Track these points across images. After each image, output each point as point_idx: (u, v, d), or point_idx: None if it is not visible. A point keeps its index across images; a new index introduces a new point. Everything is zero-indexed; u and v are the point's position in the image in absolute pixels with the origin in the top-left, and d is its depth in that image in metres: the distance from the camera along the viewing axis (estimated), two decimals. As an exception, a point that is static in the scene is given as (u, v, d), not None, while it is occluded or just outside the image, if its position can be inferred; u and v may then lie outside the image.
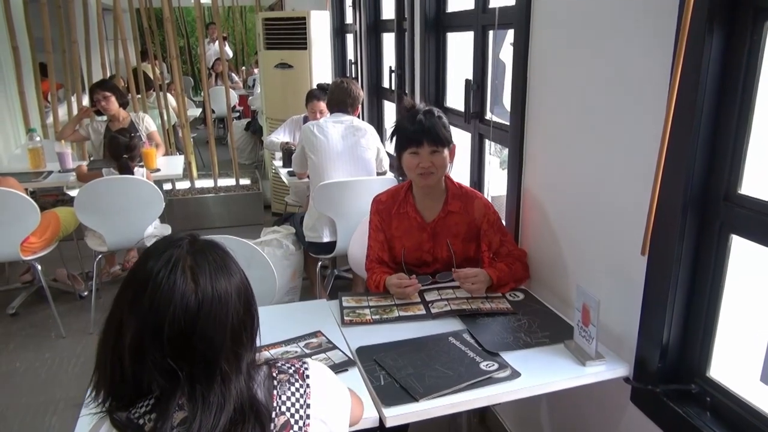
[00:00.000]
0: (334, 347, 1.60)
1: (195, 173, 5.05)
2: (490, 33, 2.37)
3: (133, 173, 3.20)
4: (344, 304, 1.83)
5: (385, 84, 3.92)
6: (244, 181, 5.22)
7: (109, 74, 5.10)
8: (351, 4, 4.59)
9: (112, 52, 5.56)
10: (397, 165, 2.04)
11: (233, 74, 9.25)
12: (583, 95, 1.65)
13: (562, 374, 1.46)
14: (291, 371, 0.99)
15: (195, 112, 7.22)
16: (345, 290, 3.68)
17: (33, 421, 2.54)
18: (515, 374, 1.44)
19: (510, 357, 1.51)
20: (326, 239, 3.02)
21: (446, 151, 1.91)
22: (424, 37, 2.84)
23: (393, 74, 3.54)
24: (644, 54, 1.39)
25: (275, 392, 0.95)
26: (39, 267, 3.19)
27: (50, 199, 4.32)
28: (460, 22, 2.63)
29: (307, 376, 1.00)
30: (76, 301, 3.62)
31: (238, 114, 8.26)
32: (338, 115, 3.12)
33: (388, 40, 3.93)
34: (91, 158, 4.10)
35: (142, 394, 0.89)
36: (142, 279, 0.88)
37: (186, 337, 0.87)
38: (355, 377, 1.45)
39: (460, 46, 2.85)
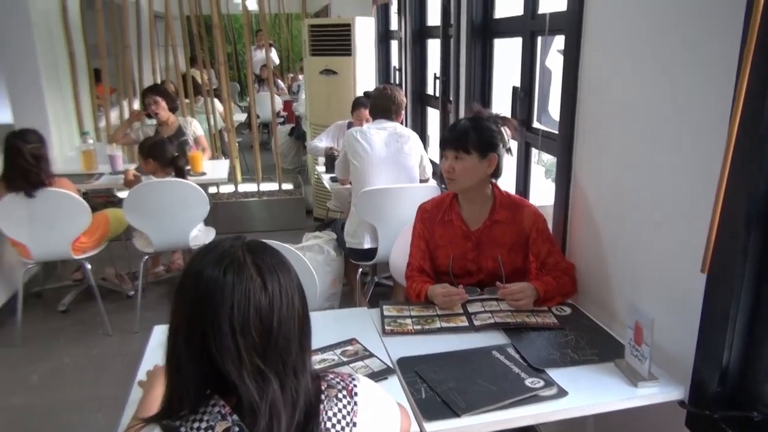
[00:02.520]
0: (371, 355, 1.58)
1: (239, 177, 5.12)
2: (539, 39, 2.32)
3: (185, 177, 3.27)
4: (385, 313, 1.81)
5: (430, 91, 3.90)
6: (287, 186, 5.27)
7: (159, 79, 5.23)
8: (396, 11, 4.60)
9: (162, 58, 5.72)
10: (439, 171, 2.02)
11: (278, 80, 9.38)
12: (638, 105, 1.59)
13: (612, 395, 1.40)
14: (340, 386, 0.97)
15: (240, 117, 7.34)
16: (385, 298, 3.66)
17: (80, 416, 2.60)
18: (562, 393, 1.38)
19: (556, 374, 1.46)
20: (367, 246, 3.01)
21: (476, 159, 1.86)
22: (470, 43, 2.80)
23: (437, 81, 3.52)
24: (708, 62, 1.32)
25: (322, 406, 0.93)
26: (89, 266, 3.28)
27: (100, 200, 4.44)
28: (508, 28, 2.59)
29: (356, 394, 0.98)
30: (123, 301, 3.71)
31: (282, 119, 8.36)
32: (381, 121, 3.11)
33: (433, 46, 3.91)
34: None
35: (194, 404, 0.89)
36: (211, 285, 0.88)
37: (266, 332, 0.88)
38: (394, 386, 1.43)
39: (504, 52, 2.81)
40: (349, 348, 1.63)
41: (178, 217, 3.20)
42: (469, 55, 2.82)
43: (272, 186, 5.24)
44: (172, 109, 4.15)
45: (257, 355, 0.88)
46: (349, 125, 4.04)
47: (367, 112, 3.72)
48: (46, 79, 4.34)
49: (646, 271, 1.60)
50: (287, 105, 8.61)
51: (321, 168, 3.78)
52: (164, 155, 3.32)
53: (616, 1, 1.67)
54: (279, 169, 5.22)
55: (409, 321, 1.76)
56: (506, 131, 1.90)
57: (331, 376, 1.00)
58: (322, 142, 3.99)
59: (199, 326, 0.89)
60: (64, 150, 4.47)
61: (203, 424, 0.87)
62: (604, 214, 1.81)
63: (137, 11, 4.99)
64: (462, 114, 2.96)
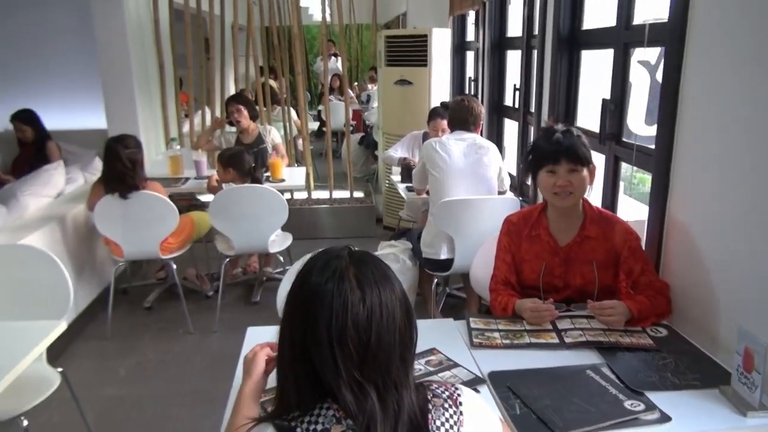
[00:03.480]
0: (456, 365, 1.57)
1: (312, 184, 5.23)
2: (632, 51, 2.26)
3: (262, 183, 3.37)
4: (472, 325, 1.79)
5: (508, 102, 3.86)
6: (358, 194, 5.33)
7: (240, 88, 5.43)
8: (474, 22, 4.59)
9: (241, 68, 5.93)
10: (518, 184, 1.99)
11: (348, 89, 9.53)
12: (746, 118, 1.51)
13: (718, 423, 1.33)
14: (445, 396, 0.97)
15: (312, 125, 7.52)
16: (456, 309, 3.65)
17: (164, 410, 2.71)
18: (665, 418, 1.33)
19: (656, 398, 1.40)
20: (444, 256, 3.01)
21: (585, 172, 1.83)
22: (555, 54, 2.76)
23: (517, 92, 3.48)
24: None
25: (430, 416, 0.93)
26: (174, 266, 3.43)
27: (184, 203, 4.63)
28: (598, 39, 2.53)
29: (461, 404, 0.97)
30: (203, 300, 3.85)
31: (351, 128, 8.48)
32: (460, 132, 3.11)
33: (512, 57, 3.87)
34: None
35: (306, 405, 0.91)
36: (312, 292, 0.91)
37: (363, 345, 0.89)
38: (485, 398, 1.41)
39: (587, 63, 2.75)
40: (432, 358, 1.63)
41: (259, 222, 3.30)
42: (554, 67, 2.77)
43: (344, 194, 5.32)
44: (253, 117, 4.29)
45: (354, 367, 0.89)
46: (425, 136, 4.05)
47: (443, 122, 3.73)
48: (138, 88, 4.60)
49: (755, 294, 1.52)
50: (356, 114, 8.74)
51: (396, 177, 3.81)
52: (243, 165, 3.44)
53: (724, 10, 1.61)
54: (351, 178, 5.29)
55: (497, 335, 1.74)
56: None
57: (435, 385, 1.00)
58: (397, 152, 4.02)
59: (301, 332, 0.92)
60: (150, 154, 4.70)
61: (318, 426, 0.89)
62: (705, 232, 1.73)
63: (222, 24, 5.19)
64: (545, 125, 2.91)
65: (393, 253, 3.19)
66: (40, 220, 3.27)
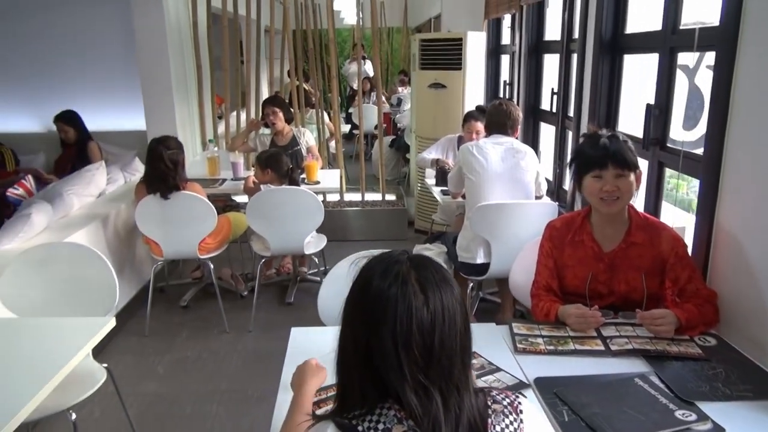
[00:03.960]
0: (498, 369, 1.57)
1: (344, 187, 5.26)
2: (679, 55, 2.23)
3: (299, 185, 3.41)
4: (515, 330, 1.78)
5: (544, 106, 3.83)
6: (390, 197, 5.34)
7: (274, 91, 5.49)
8: (509, 26, 4.57)
9: (275, 71, 6.00)
10: (555, 189, 1.97)
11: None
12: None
13: (774, 435, 1.31)
14: (505, 402, 0.98)
15: (343, 128, 7.57)
16: (489, 314, 3.63)
17: (202, 407, 2.75)
18: (718, 429, 1.30)
19: (707, 408, 1.38)
20: (480, 261, 2.99)
21: (632, 177, 1.81)
22: (597, 58, 2.73)
23: (554, 96, 3.45)
24: None
25: (490, 421, 0.94)
26: (212, 266, 3.48)
27: (219, 203, 4.70)
28: (642, 43, 2.50)
29: (521, 411, 0.98)
30: (237, 300, 3.90)
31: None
32: (497, 136, 3.09)
33: (549, 61, 3.85)
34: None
35: (367, 405, 0.92)
36: (375, 297, 0.92)
37: (427, 349, 0.90)
38: (532, 403, 1.40)
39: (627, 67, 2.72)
40: (474, 362, 1.63)
41: (295, 224, 3.33)
42: (596, 71, 2.74)
43: (375, 196, 5.34)
44: (288, 119, 4.33)
45: (419, 370, 0.90)
46: (460, 139, 4.05)
47: (478, 124, 3.74)
48: (176, 90, 4.69)
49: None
50: (386, 117, 8.77)
51: (431, 181, 3.81)
52: (281, 167, 3.48)
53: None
54: (383, 180, 5.31)
55: (540, 340, 1.73)
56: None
57: (496, 392, 1.00)
58: (431, 155, 4.02)
59: (364, 336, 0.93)
60: (188, 155, 4.77)
61: (380, 426, 0.90)
62: (755, 239, 1.69)
63: (258, 27, 5.26)
64: (584, 130, 2.88)
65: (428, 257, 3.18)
66: (83, 218, 3.35)
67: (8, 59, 5.29)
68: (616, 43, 2.67)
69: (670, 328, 1.68)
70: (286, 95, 5.82)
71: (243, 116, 5.39)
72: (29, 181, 4.00)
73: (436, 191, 3.61)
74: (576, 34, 3.13)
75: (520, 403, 0.99)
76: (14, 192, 3.86)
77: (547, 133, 3.90)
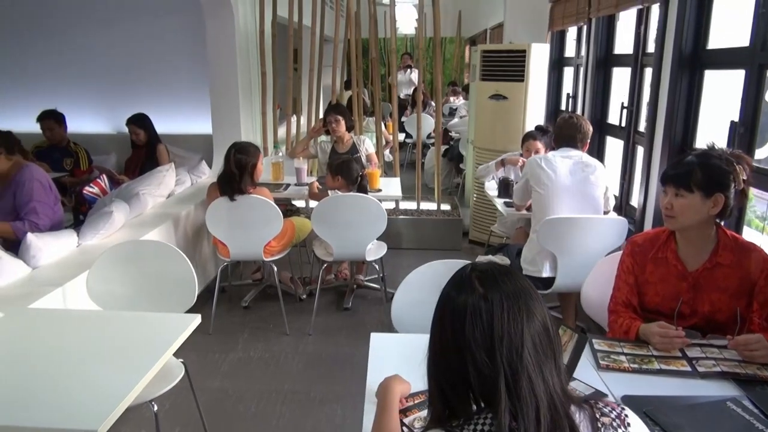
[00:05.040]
0: (574, 378, 1.56)
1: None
2: None
3: (367, 193, 3.46)
4: (596, 347, 1.77)
5: (612, 120, 3.78)
6: (444, 207, 5.35)
7: (332, 99, 5.59)
8: (575, 38, 4.53)
9: (326, 79, 6.10)
10: (623, 204, 1.95)
11: (431, 102, 9.59)
12: None
13: None
14: (613, 415, 0.98)
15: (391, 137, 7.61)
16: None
17: (266, 406, 2.81)
18: (822, 459, 1.26)
19: (807, 437, 1.34)
20: (546, 274, 2.97)
21: (698, 198, 1.76)
22: (675, 73, 2.68)
23: (624, 110, 3.41)
24: None
25: None
26: (275, 268, 3.56)
27: (281, 208, 4.81)
28: (727, 59, 2.45)
29: (628, 424, 0.98)
30: (295, 303, 3.97)
31: (432, 140, 8.54)
32: (567, 149, 3.07)
33: (618, 74, 3.80)
34: (318, 175, 4.50)
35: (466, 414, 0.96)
36: (462, 311, 0.96)
37: (520, 359, 0.93)
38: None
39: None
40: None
41: (359, 231, 3.38)
42: (673, 86, 2.70)
43: (430, 205, 5.35)
44: (349, 127, 4.40)
45: (507, 381, 0.91)
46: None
47: (537, 144, 3.74)
48: (242, 96, 4.82)
49: None
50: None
51: (493, 192, 3.80)
52: (351, 174, 3.54)
53: None
54: (438, 190, 5.32)
55: (623, 358, 1.70)
56: (743, 171, 1.78)
57: (602, 404, 1.01)
58: (492, 168, 4.01)
59: (451, 348, 0.96)
60: (250, 160, 4.91)
61: (486, 428, 0.92)
62: None
63: (322, 36, 5.37)
64: (659, 147, 2.83)
65: (491, 268, 3.18)
66: (156, 217, 3.49)
67: (85, 66, 5.55)
68: (696, 59, 2.62)
69: (765, 354, 1.64)
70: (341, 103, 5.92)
71: (297, 122, 5.49)
72: (104, 181, 4.18)
73: (499, 203, 3.60)
74: (650, 48, 3.08)
75: (627, 415, 0.99)
76: (90, 190, 4.04)
77: (613, 147, 3.84)
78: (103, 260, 2.36)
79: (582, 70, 4.15)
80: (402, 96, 10.01)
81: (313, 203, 4.86)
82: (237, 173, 3.30)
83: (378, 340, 1.81)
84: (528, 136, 3.82)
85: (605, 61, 3.83)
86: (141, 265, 2.38)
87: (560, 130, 3.14)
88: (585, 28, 4.05)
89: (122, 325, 1.95)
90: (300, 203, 5.00)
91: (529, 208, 3.30)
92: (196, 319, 1.93)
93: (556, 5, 4.68)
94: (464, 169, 6.75)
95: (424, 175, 6.39)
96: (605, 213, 3.12)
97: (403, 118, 8.91)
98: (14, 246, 2.71)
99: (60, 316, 2.08)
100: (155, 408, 2.06)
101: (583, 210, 2.95)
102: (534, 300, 0.98)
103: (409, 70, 10.61)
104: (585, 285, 2.36)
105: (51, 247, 2.69)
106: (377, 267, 3.67)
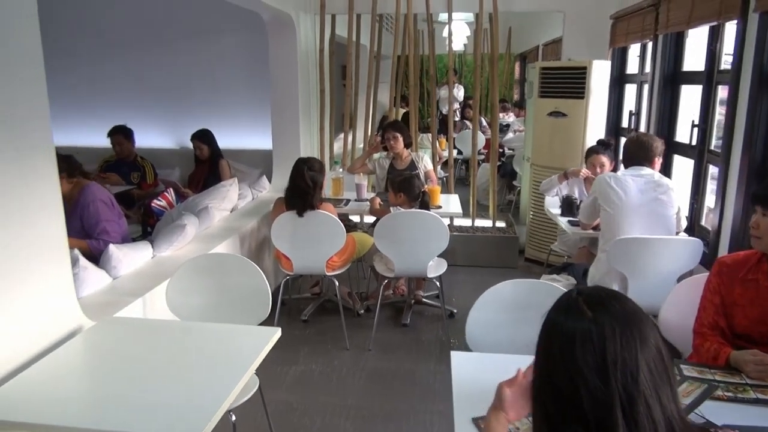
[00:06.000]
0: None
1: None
2: None
3: (429, 209, 3.47)
4: (685, 372, 1.72)
5: (679, 138, 3.70)
6: (500, 224, 5.31)
7: (392, 116, 5.65)
8: (639, 54, 4.46)
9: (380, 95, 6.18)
10: (693, 224, 1.90)
11: (482, 118, 9.57)
12: None
13: None
14: None
15: (444, 153, 7.61)
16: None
17: (331, 420, 2.83)
18: None
19: None
20: (615, 295, 2.90)
21: None
22: (756, 91, 2.61)
23: (695, 128, 3.32)
24: None
25: None
26: (337, 283, 3.60)
27: (341, 223, 4.88)
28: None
29: None
30: (353, 318, 3.99)
31: (482, 157, 8.50)
32: (637, 168, 3.01)
33: (687, 91, 3.72)
34: (376, 191, 4.54)
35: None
36: (571, 336, 0.96)
37: (635, 383, 0.92)
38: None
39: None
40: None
41: (421, 247, 3.39)
42: (753, 105, 2.62)
43: (485, 222, 5.32)
44: (407, 144, 4.43)
45: (623, 405, 0.91)
46: (583, 173, 3.97)
47: (602, 158, 3.69)
48: (302, 113, 4.93)
49: None
50: (487, 143, 8.74)
51: (555, 210, 3.75)
52: (412, 190, 3.56)
53: None
54: (494, 207, 5.28)
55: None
56: None
57: (720, 430, 0.99)
58: (555, 185, 3.96)
59: (560, 374, 0.96)
60: (308, 175, 5.00)
61: None
62: None
63: (379, 54, 5.45)
64: (736, 166, 2.75)
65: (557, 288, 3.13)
66: (223, 231, 3.59)
67: (151, 84, 5.78)
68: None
69: None
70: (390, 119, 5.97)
71: (353, 138, 5.57)
72: (171, 194, 4.32)
73: (562, 221, 3.55)
74: (723, 65, 3.01)
75: None
76: (158, 203, 4.19)
77: (682, 166, 3.74)
78: (181, 272, 2.43)
79: (647, 87, 4.07)
80: (444, 112, 10.02)
81: (368, 219, 4.92)
82: (311, 189, 3.35)
83: (459, 359, 1.80)
84: (592, 151, 3.78)
85: (673, 78, 3.76)
86: (218, 277, 2.45)
87: (630, 149, 3.09)
88: (650, 44, 3.98)
89: (205, 336, 2.01)
90: (356, 218, 5.05)
91: (595, 228, 3.24)
92: (277, 333, 1.97)
93: (619, 22, 4.62)
94: (518, 186, 6.70)
95: (480, 192, 6.36)
96: (677, 233, 3.04)
97: (454, 134, 8.90)
98: (89, 259, 2.82)
99: (146, 326, 2.16)
100: (233, 418, 2.11)
101: (655, 230, 2.88)
102: (645, 323, 0.97)
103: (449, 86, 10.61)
104: (663, 308, 2.30)
105: (129, 259, 2.79)
106: (437, 284, 3.65)
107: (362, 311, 4.04)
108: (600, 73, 4.52)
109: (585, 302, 0.99)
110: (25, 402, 1.58)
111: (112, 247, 2.71)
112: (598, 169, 3.70)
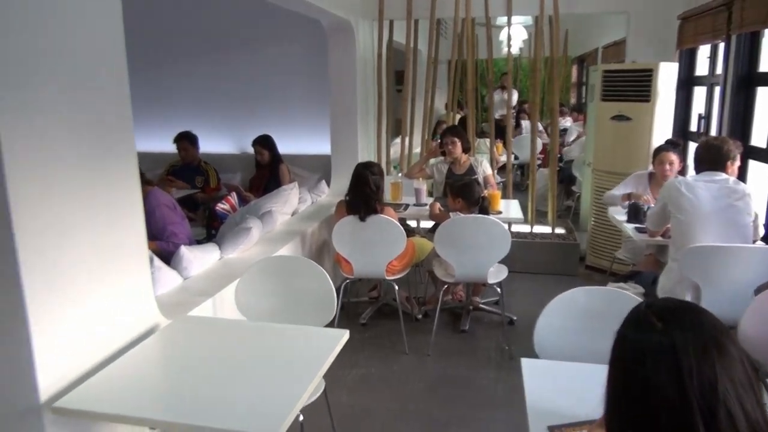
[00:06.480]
0: None
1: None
2: None
3: (488, 215, 3.45)
4: (773, 387, 1.64)
5: (755, 142, 3.54)
6: (559, 230, 5.20)
7: (450, 121, 5.65)
8: (709, 56, 4.30)
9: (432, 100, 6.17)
10: None
11: (537, 123, 9.41)
12: None
13: None
14: None
15: (503, 158, 7.54)
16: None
17: (393, 425, 2.84)
18: None
19: None
20: (687, 305, 2.80)
21: None
22: (843, 93, 2.47)
23: (773, 132, 3.17)
24: None
25: None
26: (397, 287, 3.61)
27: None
28: None
29: None
30: (411, 323, 3.99)
31: (539, 162, 8.36)
32: (710, 173, 2.89)
33: (763, 93, 3.56)
34: (434, 196, 4.53)
35: None
36: (641, 348, 0.95)
37: (711, 404, 0.89)
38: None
39: None
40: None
41: (482, 253, 3.36)
42: (841, 106, 2.48)
43: (543, 228, 5.23)
44: (466, 149, 4.41)
45: (704, 417, 0.88)
46: (650, 176, 3.86)
47: (671, 155, 3.61)
48: (359, 119, 4.99)
49: None
50: (544, 147, 8.60)
51: (621, 216, 3.65)
52: (471, 195, 3.54)
53: None
54: (553, 213, 5.19)
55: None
56: None
57: None
58: (619, 191, 3.86)
59: (634, 388, 0.94)
60: (366, 180, 5.05)
61: None
62: None
63: (437, 60, 5.46)
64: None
65: (623, 296, 3.05)
66: (285, 234, 3.66)
67: (213, 91, 5.97)
68: None
69: None
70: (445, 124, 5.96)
71: (410, 143, 5.57)
72: (234, 198, 4.46)
73: (629, 228, 3.45)
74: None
75: None
76: (222, 207, 4.32)
77: (758, 171, 3.58)
78: (250, 273, 2.50)
79: (718, 89, 3.91)
80: (497, 116, 9.93)
81: (424, 224, 4.92)
82: (373, 193, 3.39)
83: (530, 366, 1.78)
84: (660, 149, 3.70)
85: (747, 79, 3.60)
86: (285, 279, 2.50)
87: (701, 154, 2.98)
88: (722, 45, 3.83)
89: (275, 336, 2.06)
90: (412, 223, 5.06)
91: (663, 235, 3.14)
92: (345, 335, 1.99)
93: (687, 22, 4.46)
94: (576, 191, 6.55)
95: (537, 197, 6.25)
96: (753, 242, 2.91)
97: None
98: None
99: (218, 325, 2.23)
100: (301, 418, 2.14)
101: (730, 238, 2.77)
102: (722, 332, 0.95)
103: (503, 90, 10.51)
104: (743, 321, 2.21)
105: (199, 260, 2.89)
106: (498, 290, 3.61)
107: (420, 316, 4.04)
108: (667, 76, 4.38)
109: (654, 314, 0.97)
110: (109, 393, 1.66)
111: (183, 248, 2.81)
112: (667, 166, 3.62)
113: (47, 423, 1.65)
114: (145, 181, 3.34)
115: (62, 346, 1.71)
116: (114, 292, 1.93)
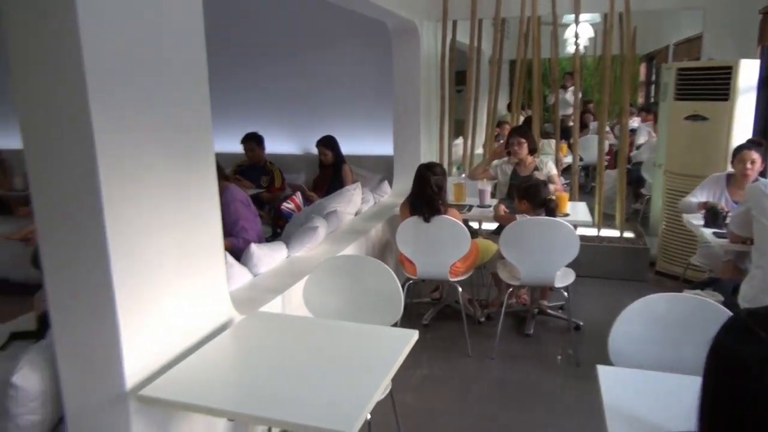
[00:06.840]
0: None
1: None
2: None
3: (555, 217, 3.37)
4: None
5: None
6: (628, 234, 5.03)
7: (514, 121, 5.56)
8: (795, 51, 4.05)
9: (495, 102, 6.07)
10: None
11: (592, 123, 9.13)
12: None
13: None
14: None
15: (567, 159, 7.36)
16: None
17: (459, 426, 2.82)
18: None
19: None
20: (772, 316, 2.64)
21: None
22: None
23: None
24: None
25: None
26: (460, 289, 3.58)
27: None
28: None
29: None
30: (474, 325, 3.94)
31: (605, 164, 8.11)
32: (799, 176, 2.73)
33: None
34: (498, 197, 4.47)
35: None
36: (744, 359, 0.88)
37: None
38: None
39: None
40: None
41: (549, 256, 3.29)
42: None
43: (611, 232, 5.06)
44: (532, 150, 4.33)
45: None
46: (728, 177, 3.68)
47: (753, 153, 3.46)
48: (422, 119, 4.98)
49: None
50: (609, 149, 8.33)
51: (698, 221, 3.49)
52: (536, 197, 3.47)
53: None
54: (621, 216, 5.02)
55: None
56: None
57: None
58: (695, 197, 3.69)
59: (736, 402, 0.88)
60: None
61: None
62: None
63: (500, 61, 5.39)
64: None
65: (701, 304, 2.91)
66: (349, 234, 3.70)
67: (277, 94, 6.11)
68: None
69: None
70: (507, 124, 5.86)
71: (473, 143, 5.52)
72: (298, 197, 4.55)
73: (707, 233, 3.30)
74: None
75: None
76: (287, 206, 4.42)
77: None
78: (318, 272, 2.54)
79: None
80: (560, 116, 9.69)
81: (486, 225, 4.86)
82: (436, 194, 3.38)
83: (607, 374, 1.72)
84: (741, 147, 3.54)
85: (841, 76, 3.37)
86: (353, 278, 2.53)
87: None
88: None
89: (344, 334, 2.08)
90: (474, 224, 5.01)
91: (744, 241, 2.98)
92: (414, 336, 2.00)
93: (770, 16, 4.23)
94: (645, 194, 6.31)
95: (604, 200, 6.07)
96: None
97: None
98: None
99: (289, 322, 2.28)
100: (369, 417, 2.15)
101: (822, 245, 2.60)
102: None
103: (565, 89, 10.23)
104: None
105: (268, 258, 2.96)
106: (565, 294, 3.53)
107: (483, 319, 4.00)
108: (748, 73, 4.16)
109: (758, 323, 0.91)
110: (189, 384, 1.72)
111: (253, 246, 2.89)
112: (748, 165, 3.47)
113: (132, 410, 1.73)
114: (224, 177, 3.46)
115: (146, 338, 1.79)
116: (193, 287, 2.00)
